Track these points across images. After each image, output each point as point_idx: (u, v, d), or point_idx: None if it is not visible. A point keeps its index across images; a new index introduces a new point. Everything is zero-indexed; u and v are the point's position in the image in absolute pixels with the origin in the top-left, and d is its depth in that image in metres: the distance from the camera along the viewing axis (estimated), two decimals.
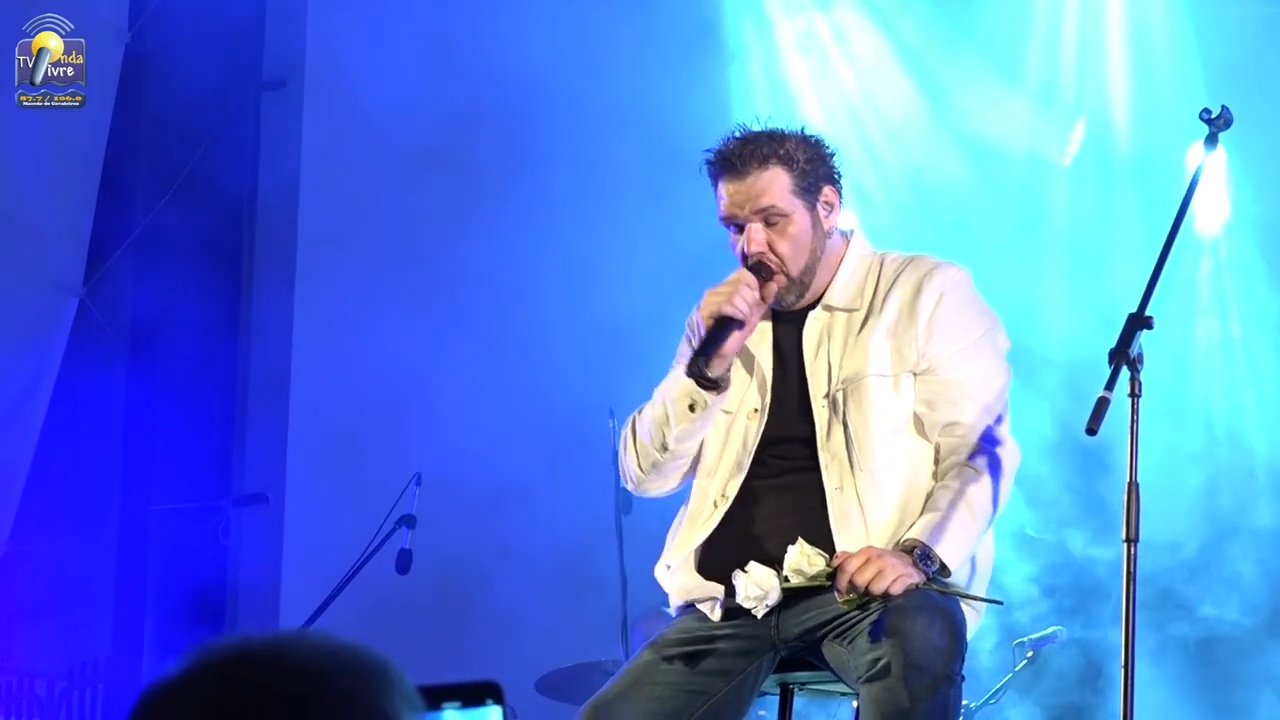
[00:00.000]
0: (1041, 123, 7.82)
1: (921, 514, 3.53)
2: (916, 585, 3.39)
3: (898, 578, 3.37)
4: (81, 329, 7.65)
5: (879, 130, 8.01)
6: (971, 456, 3.58)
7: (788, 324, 3.73)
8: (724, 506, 3.65)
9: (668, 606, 3.85)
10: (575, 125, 7.90)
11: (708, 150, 3.68)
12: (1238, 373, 7.67)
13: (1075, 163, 7.85)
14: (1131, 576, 3.45)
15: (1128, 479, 3.50)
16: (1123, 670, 3.44)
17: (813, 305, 3.71)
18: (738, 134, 3.68)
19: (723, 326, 3.54)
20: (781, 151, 3.63)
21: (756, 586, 3.46)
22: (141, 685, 1.47)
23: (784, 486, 3.63)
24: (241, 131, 8.24)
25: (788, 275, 3.64)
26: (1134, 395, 3.48)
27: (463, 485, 7.43)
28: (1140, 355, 3.49)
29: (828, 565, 3.43)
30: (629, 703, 3.54)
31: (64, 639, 7.78)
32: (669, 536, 3.76)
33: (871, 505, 3.54)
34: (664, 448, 3.70)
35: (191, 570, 7.94)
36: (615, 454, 5.36)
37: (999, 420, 3.63)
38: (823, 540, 3.49)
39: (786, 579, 3.44)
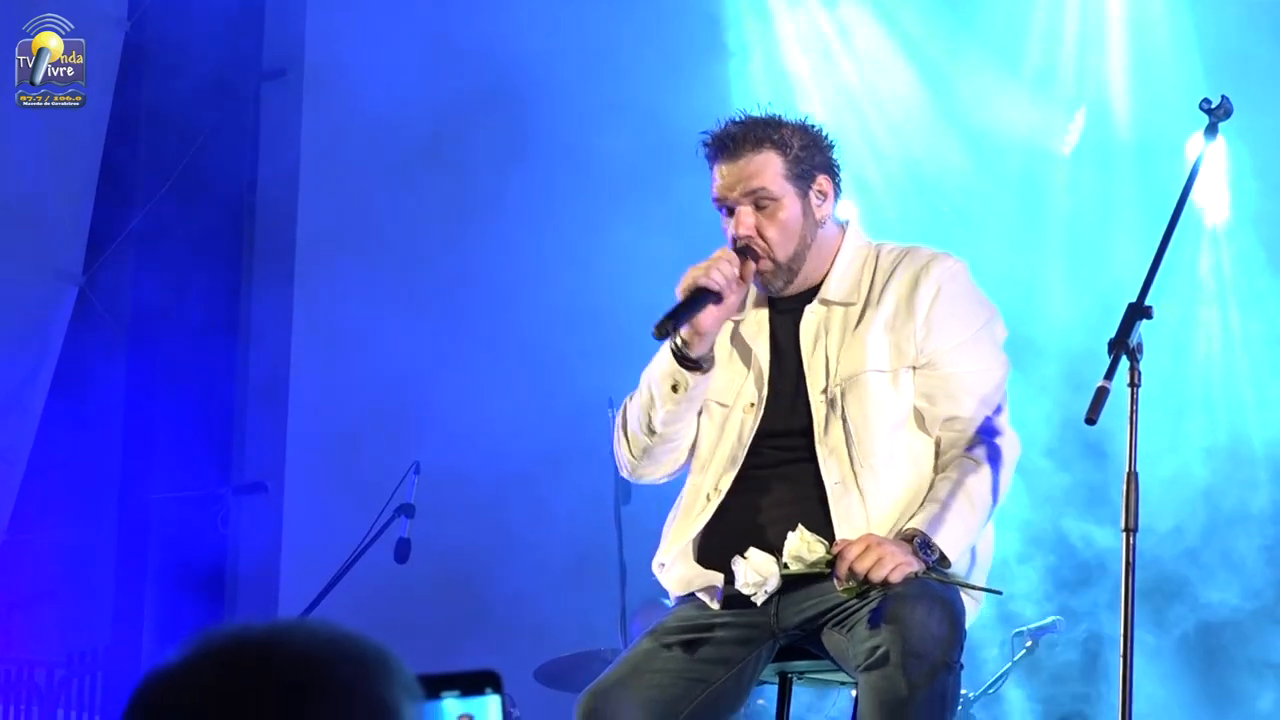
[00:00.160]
0: (1042, 113, 7.82)
1: (922, 505, 3.53)
2: (916, 574, 3.39)
3: (897, 566, 3.36)
4: (81, 317, 7.66)
5: (880, 121, 8.01)
6: (971, 448, 3.57)
7: (784, 317, 3.72)
8: (716, 500, 3.64)
9: (667, 598, 3.84)
10: (577, 117, 7.90)
11: (704, 132, 3.68)
12: (1237, 360, 7.68)
13: (1075, 152, 7.86)
14: (1130, 566, 3.45)
15: (1127, 469, 3.50)
16: (1121, 660, 3.44)
17: (809, 298, 3.70)
18: (736, 118, 3.68)
19: (697, 297, 3.53)
20: (776, 136, 3.62)
21: (756, 573, 3.45)
22: (141, 673, 1.47)
23: (782, 476, 3.63)
24: (241, 121, 8.24)
25: (774, 260, 3.63)
26: (1133, 385, 3.48)
27: (462, 475, 7.43)
28: (1140, 345, 3.48)
29: (827, 552, 3.42)
30: (628, 690, 3.53)
31: (63, 627, 7.80)
32: (663, 533, 3.76)
33: (873, 499, 3.54)
34: (651, 431, 3.70)
35: (191, 559, 7.95)
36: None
37: (998, 411, 3.63)
38: (823, 531, 3.49)
39: (786, 565, 3.44)
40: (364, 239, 8.08)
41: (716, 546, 3.61)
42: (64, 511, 7.83)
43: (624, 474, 3.89)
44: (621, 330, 7.11)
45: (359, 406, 7.77)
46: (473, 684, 1.62)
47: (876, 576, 3.36)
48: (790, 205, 3.63)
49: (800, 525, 3.46)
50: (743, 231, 3.62)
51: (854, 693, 3.47)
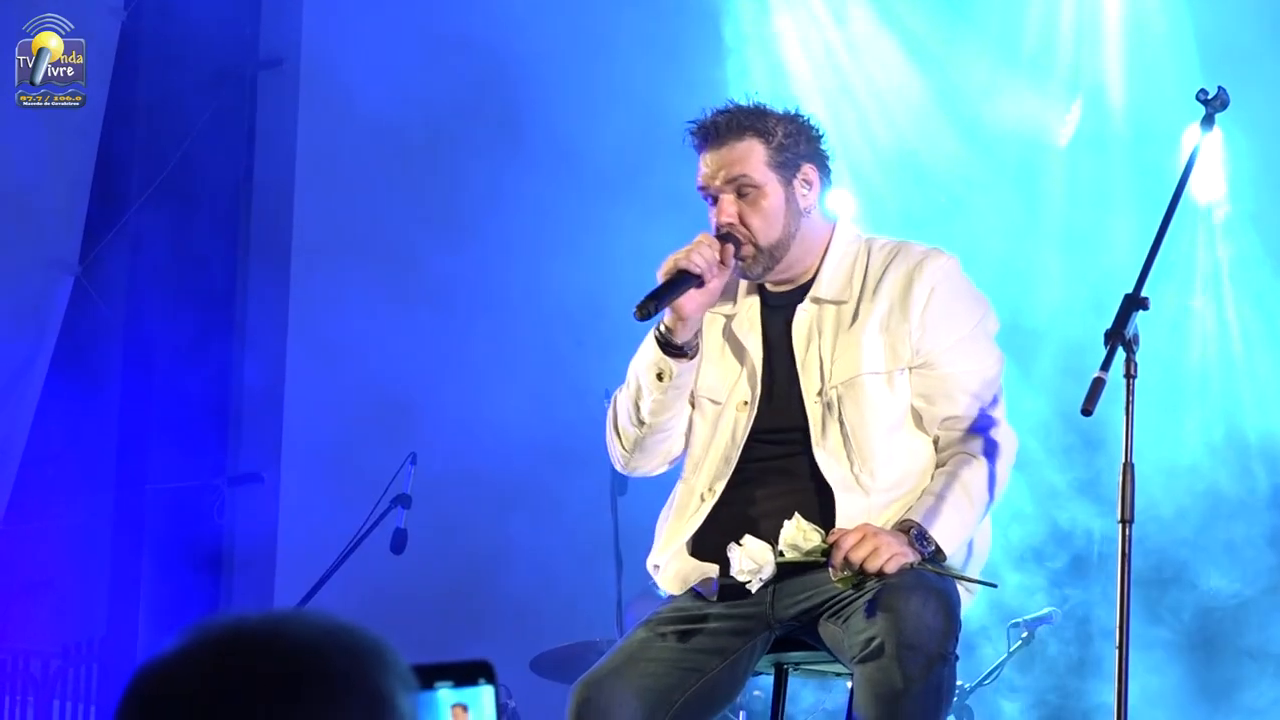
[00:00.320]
0: (1038, 103, 7.81)
1: (919, 498, 3.53)
2: (911, 565, 3.39)
3: (893, 556, 3.36)
4: (78, 307, 7.65)
5: (877, 111, 8.00)
6: (969, 443, 3.58)
7: (776, 313, 3.72)
8: (711, 500, 3.64)
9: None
10: (574, 109, 7.89)
11: (690, 122, 3.68)
12: (1233, 349, 7.68)
13: (1072, 143, 7.85)
14: (1126, 557, 3.45)
15: (1123, 459, 3.50)
16: (1117, 651, 3.44)
17: (800, 294, 3.70)
18: (721, 108, 3.68)
19: (678, 280, 3.53)
20: (759, 125, 3.63)
21: (751, 560, 3.44)
22: (136, 664, 1.47)
23: (778, 470, 3.63)
24: (238, 111, 8.23)
25: (756, 246, 3.63)
26: (1129, 376, 3.48)
27: (458, 466, 7.43)
28: (1136, 336, 3.48)
29: (823, 541, 3.42)
30: (622, 679, 3.53)
31: (59, 617, 7.79)
32: (656, 532, 3.76)
33: (873, 499, 3.54)
34: (640, 422, 3.70)
35: (187, 549, 7.95)
36: None
37: (995, 406, 3.64)
38: (818, 524, 3.49)
39: (781, 553, 3.44)
40: (360, 228, 8.07)
41: (712, 541, 3.61)
42: (60, 502, 7.82)
43: (617, 468, 3.89)
44: (617, 323, 7.10)
45: (355, 396, 7.77)
46: (466, 674, 1.62)
47: (872, 567, 3.36)
48: (773, 193, 3.63)
49: (796, 514, 3.46)
50: (724, 219, 3.62)
51: (849, 684, 3.47)
